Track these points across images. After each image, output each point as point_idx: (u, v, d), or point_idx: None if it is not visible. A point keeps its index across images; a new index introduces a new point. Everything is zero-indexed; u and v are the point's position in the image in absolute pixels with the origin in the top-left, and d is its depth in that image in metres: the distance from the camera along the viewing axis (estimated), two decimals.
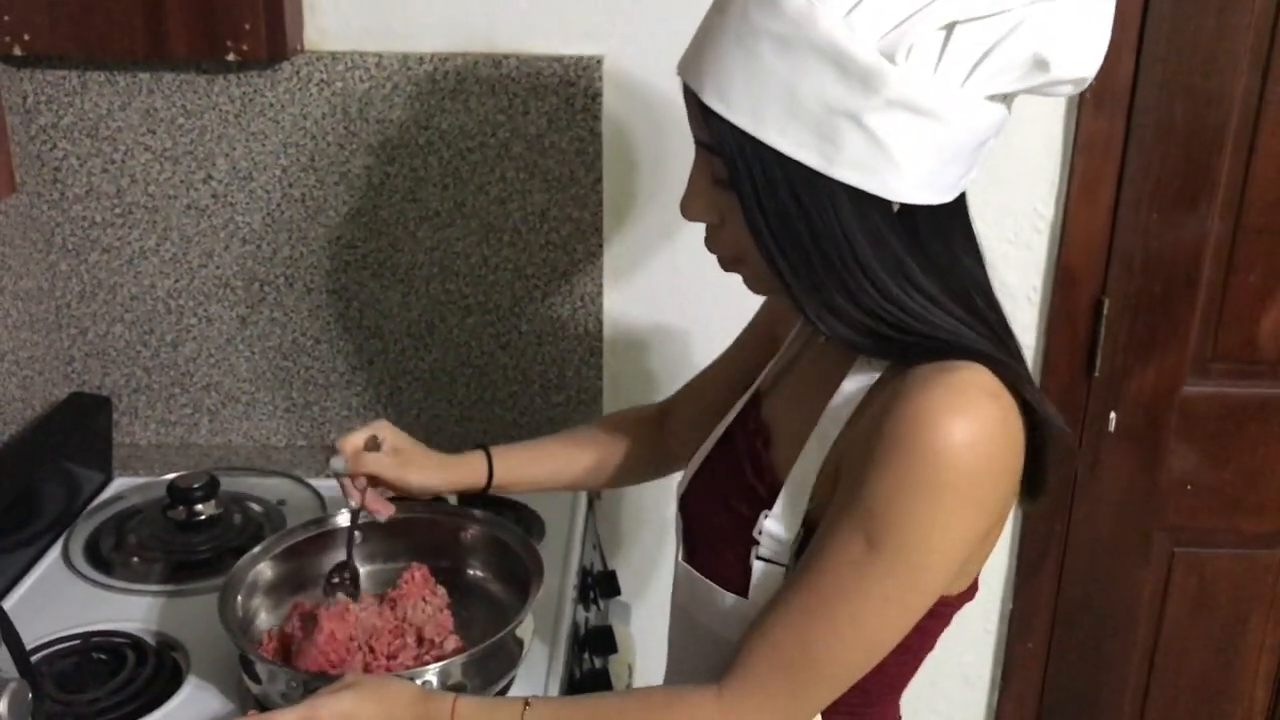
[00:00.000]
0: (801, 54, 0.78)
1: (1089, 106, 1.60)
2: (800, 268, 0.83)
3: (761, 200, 0.81)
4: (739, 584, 0.94)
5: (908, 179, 0.81)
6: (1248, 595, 1.86)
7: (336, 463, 1.19)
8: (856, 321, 0.84)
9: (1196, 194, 1.64)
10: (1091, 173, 1.63)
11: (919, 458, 0.80)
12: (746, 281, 0.94)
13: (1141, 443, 1.78)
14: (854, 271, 0.82)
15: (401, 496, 1.24)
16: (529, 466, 1.27)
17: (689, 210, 0.91)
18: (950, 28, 0.77)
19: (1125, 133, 1.62)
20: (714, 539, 0.99)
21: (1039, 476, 0.88)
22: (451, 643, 1.19)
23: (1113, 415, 1.76)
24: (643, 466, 1.30)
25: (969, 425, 0.80)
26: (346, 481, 1.20)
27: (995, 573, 1.88)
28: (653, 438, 1.29)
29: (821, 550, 0.85)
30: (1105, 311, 1.70)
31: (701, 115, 0.84)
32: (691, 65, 0.85)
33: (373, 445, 1.21)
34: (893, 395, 0.83)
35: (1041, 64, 0.80)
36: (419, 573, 1.25)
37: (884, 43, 0.77)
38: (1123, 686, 1.93)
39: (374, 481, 1.20)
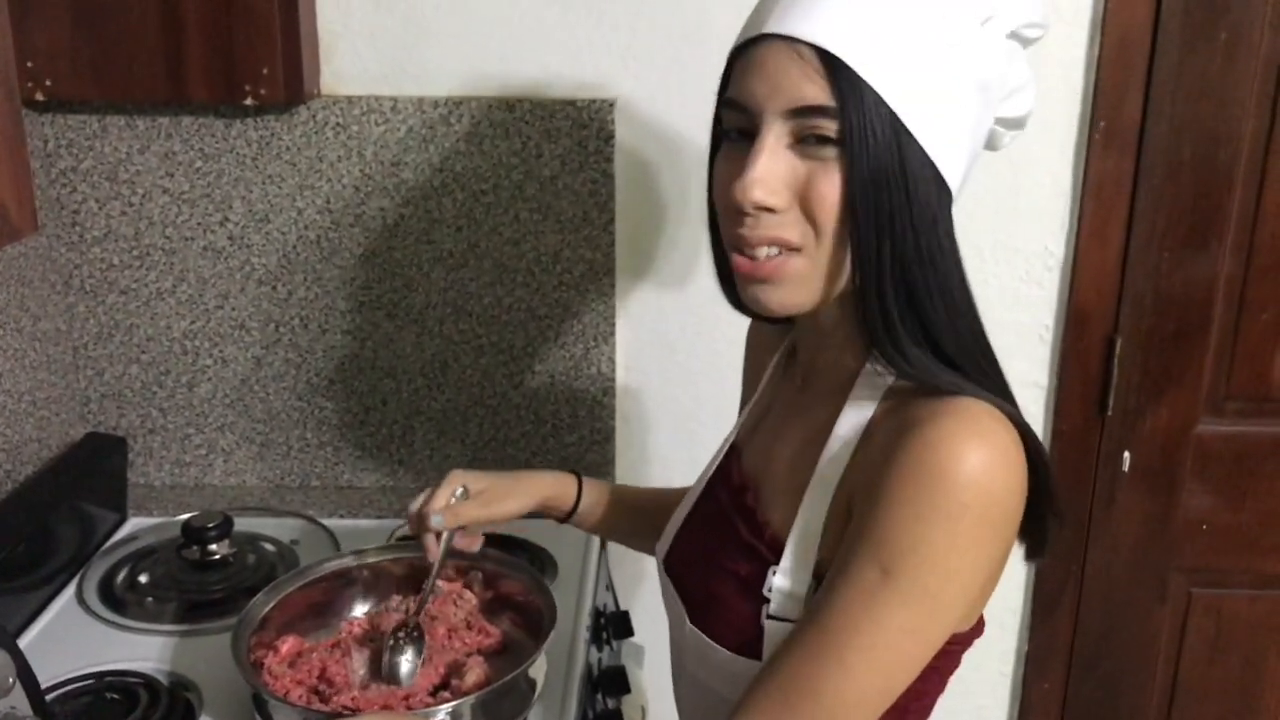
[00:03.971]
0: (945, 24, 0.82)
1: (1098, 146, 1.61)
2: (891, 241, 0.82)
3: (875, 166, 0.80)
4: (750, 646, 0.90)
5: (961, 171, 0.85)
6: (1266, 636, 1.85)
7: (437, 520, 1.17)
8: (915, 310, 0.84)
9: (1207, 233, 1.65)
10: (1102, 212, 1.64)
11: (935, 484, 0.79)
12: (783, 291, 0.87)
13: (1156, 482, 1.77)
14: (935, 254, 0.83)
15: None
16: (611, 503, 1.27)
17: (765, 187, 0.82)
18: (1014, 35, 0.87)
19: (1135, 172, 1.62)
20: (713, 603, 0.96)
21: (1035, 523, 0.87)
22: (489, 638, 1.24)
23: (1126, 455, 1.76)
24: None
25: (983, 450, 0.79)
26: (430, 539, 1.18)
27: (1011, 613, 1.86)
28: None
29: (833, 584, 0.83)
30: (1117, 350, 1.70)
31: (823, 74, 0.80)
32: (807, 22, 0.81)
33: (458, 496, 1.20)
34: (899, 428, 0.82)
35: (1026, 88, 0.91)
36: (441, 582, 1.28)
37: (984, 26, 0.84)
38: None
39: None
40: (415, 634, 1.20)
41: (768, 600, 0.89)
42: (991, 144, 0.93)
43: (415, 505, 1.19)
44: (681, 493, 1.14)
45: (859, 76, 0.79)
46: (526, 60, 1.57)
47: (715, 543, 0.99)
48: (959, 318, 0.85)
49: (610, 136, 1.57)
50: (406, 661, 1.18)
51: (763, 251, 0.85)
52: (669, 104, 1.58)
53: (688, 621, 0.98)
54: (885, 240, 0.82)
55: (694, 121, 1.59)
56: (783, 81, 0.81)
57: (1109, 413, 1.73)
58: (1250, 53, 1.57)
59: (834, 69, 0.79)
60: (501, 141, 1.58)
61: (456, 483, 1.19)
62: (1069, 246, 1.67)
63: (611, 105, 1.57)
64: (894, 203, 0.81)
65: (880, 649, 0.81)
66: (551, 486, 1.24)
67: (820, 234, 0.83)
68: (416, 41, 1.57)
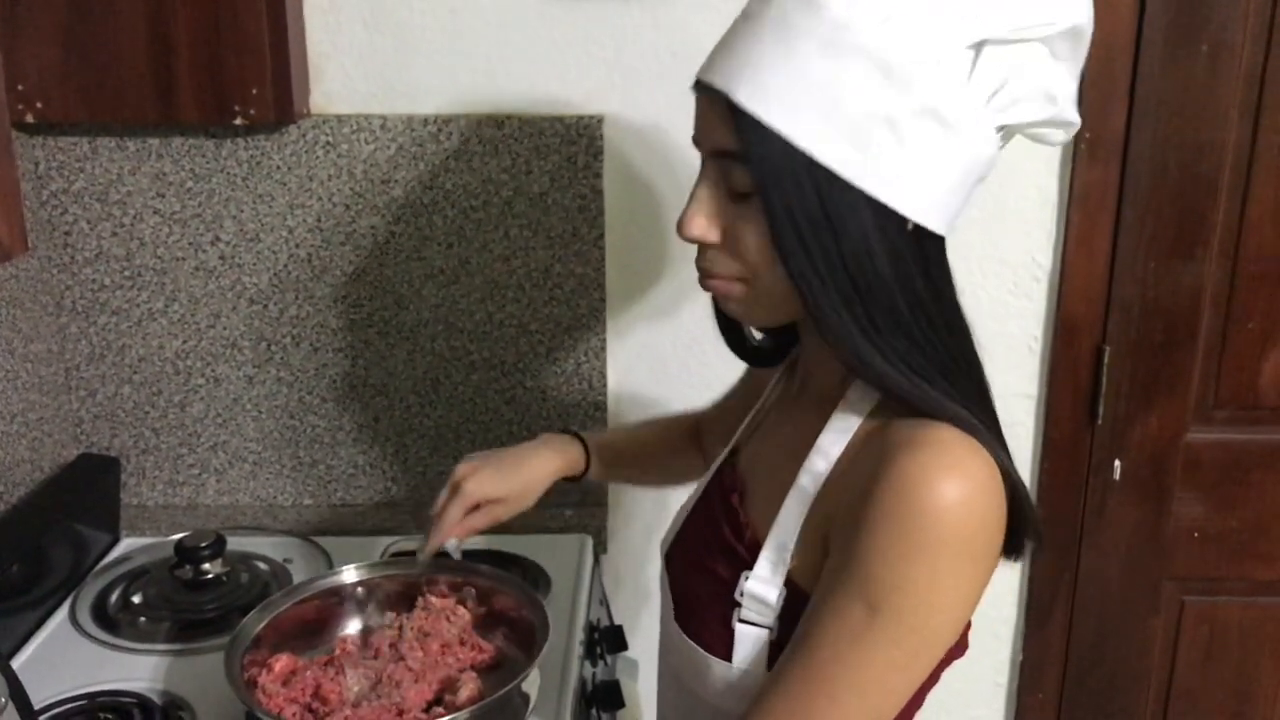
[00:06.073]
0: (845, 56, 0.79)
1: (1084, 157, 1.62)
2: (823, 279, 0.82)
3: (791, 209, 0.81)
4: (722, 648, 0.92)
5: (925, 197, 0.82)
6: (1259, 643, 1.85)
7: (453, 546, 1.22)
8: (868, 336, 0.83)
9: (1192, 242, 1.66)
10: (1088, 222, 1.65)
11: (914, 519, 0.79)
12: (738, 308, 0.91)
13: (1147, 491, 1.78)
14: (873, 285, 0.82)
15: None
16: (616, 455, 1.32)
17: (692, 226, 0.88)
18: (979, 47, 0.80)
19: (1120, 182, 1.64)
20: (695, 601, 0.98)
21: (1014, 535, 0.87)
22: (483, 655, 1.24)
23: (1117, 464, 1.76)
24: (687, 469, 1.35)
25: (960, 482, 0.80)
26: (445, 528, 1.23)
27: (1005, 624, 1.87)
28: (695, 447, 1.35)
29: (818, 620, 0.83)
30: (1106, 360, 1.71)
31: (730, 120, 0.82)
32: (722, 69, 0.84)
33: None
34: (878, 458, 0.83)
35: (1051, 99, 0.82)
36: (434, 598, 1.28)
37: (919, 50, 0.79)
38: None
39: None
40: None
41: (739, 604, 0.90)
42: (1043, 140, 0.90)
43: (436, 513, 1.22)
44: (676, 425, 1.31)
45: (761, 123, 0.80)
46: (515, 77, 1.58)
47: (704, 542, 1.00)
48: (924, 338, 0.85)
49: (599, 152, 1.58)
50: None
51: (713, 275, 0.90)
52: (657, 120, 1.59)
53: (673, 618, 1.00)
54: (818, 279, 0.82)
55: (682, 137, 1.59)
56: (704, 126, 0.86)
57: (1099, 422, 1.74)
58: (1232, 64, 1.58)
59: (738, 115, 0.81)
60: (491, 158, 1.59)
61: (471, 500, 1.21)
62: (1056, 257, 1.68)
63: (600, 121, 1.58)
64: (820, 243, 0.81)
65: (868, 683, 0.82)
66: (559, 463, 1.26)
67: (755, 272, 0.86)
68: (405, 60, 1.58)
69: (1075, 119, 0.86)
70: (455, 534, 1.22)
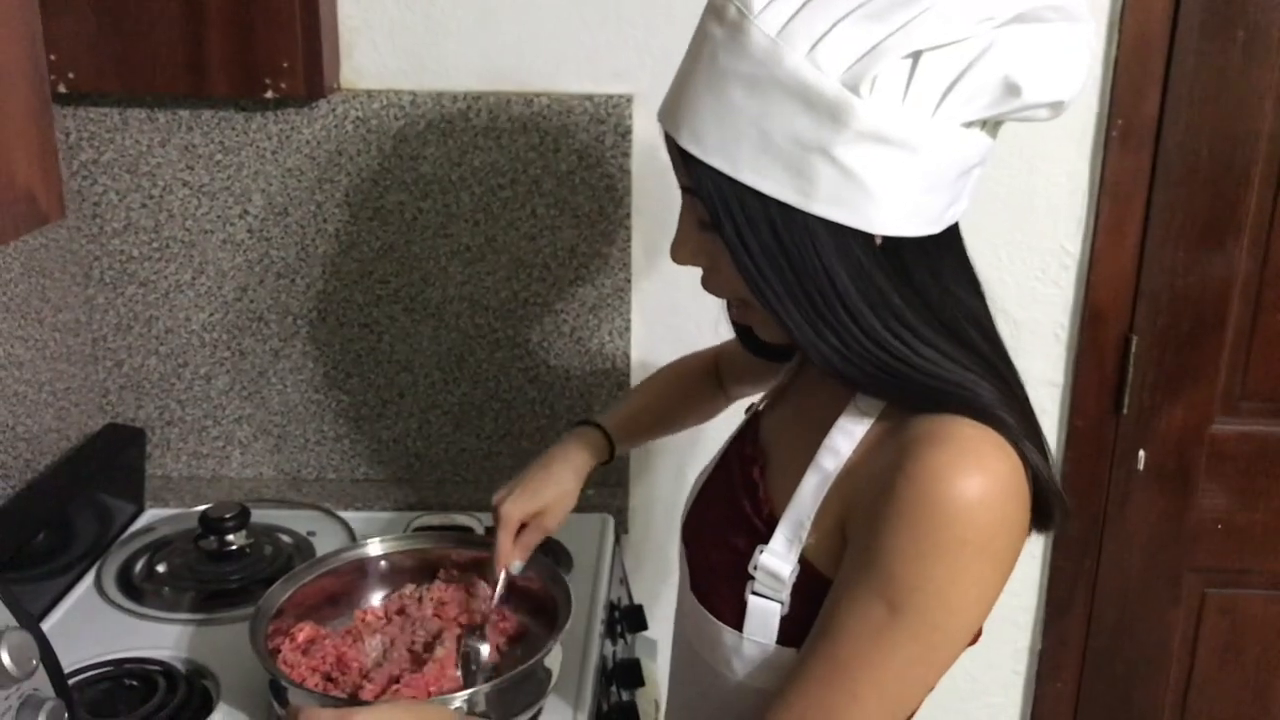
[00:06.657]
0: (769, 92, 0.78)
1: (1115, 144, 1.61)
2: (791, 305, 0.82)
3: (745, 240, 0.82)
4: (735, 619, 0.93)
5: (886, 211, 0.80)
6: None
7: (517, 568, 1.24)
8: (849, 359, 0.83)
9: (1223, 232, 1.65)
10: (1118, 210, 1.64)
11: (935, 518, 0.79)
12: (758, 330, 0.94)
13: (1171, 482, 1.77)
14: (836, 307, 0.82)
15: None
16: (644, 428, 1.35)
17: (678, 255, 0.91)
18: (916, 57, 0.77)
19: (1151, 171, 1.62)
20: (710, 571, 0.99)
21: (1040, 511, 0.87)
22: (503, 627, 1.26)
23: (1141, 454, 1.75)
24: (711, 411, 1.41)
25: (982, 482, 0.80)
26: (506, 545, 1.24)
27: (1024, 612, 1.86)
28: (715, 386, 1.39)
29: (839, 616, 0.84)
30: (1133, 349, 1.69)
31: (681, 160, 0.84)
32: (669, 112, 0.86)
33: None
34: (899, 452, 0.82)
35: (1013, 88, 0.78)
36: (456, 570, 1.31)
37: (849, 76, 0.77)
38: None
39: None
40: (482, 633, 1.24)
41: (753, 577, 0.91)
42: (1032, 120, 0.86)
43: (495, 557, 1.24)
44: (692, 370, 1.37)
45: (701, 161, 0.82)
46: (545, 55, 1.57)
47: (722, 514, 1.01)
48: (906, 347, 0.84)
49: (628, 132, 1.58)
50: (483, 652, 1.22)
51: (722, 298, 0.94)
52: None
53: (689, 588, 1.01)
54: (782, 304, 0.83)
55: None
56: (671, 161, 0.88)
57: (1124, 411, 1.73)
58: (1268, 52, 1.57)
59: (685, 154, 0.83)
60: (519, 136, 1.58)
61: (511, 522, 1.21)
62: (1085, 245, 1.67)
63: (629, 100, 1.57)
64: (777, 269, 0.82)
65: (890, 680, 0.83)
66: (585, 456, 1.26)
67: (741, 298, 0.89)
68: (436, 36, 1.57)
69: (1052, 99, 0.81)
70: (514, 558, 1.23)
